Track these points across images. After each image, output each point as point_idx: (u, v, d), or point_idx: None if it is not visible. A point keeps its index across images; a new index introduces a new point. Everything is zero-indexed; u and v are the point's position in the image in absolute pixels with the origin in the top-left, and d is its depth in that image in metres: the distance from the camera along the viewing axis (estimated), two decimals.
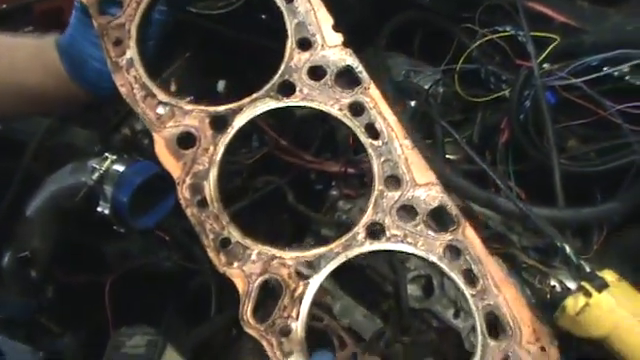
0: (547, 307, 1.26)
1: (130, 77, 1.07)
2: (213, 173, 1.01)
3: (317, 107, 1.05)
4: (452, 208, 1.01)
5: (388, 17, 1.62)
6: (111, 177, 1.42)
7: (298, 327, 0.94)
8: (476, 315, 0.96)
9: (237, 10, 1.54)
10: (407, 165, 1.02)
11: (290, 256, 0.98)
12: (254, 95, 1.05)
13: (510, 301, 0.98)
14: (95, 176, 1.43)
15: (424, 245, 0.99)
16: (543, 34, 1.42)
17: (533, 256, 1.38)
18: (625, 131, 1.34)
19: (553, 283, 1.28)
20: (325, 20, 1.08)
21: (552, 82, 1.39)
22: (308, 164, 1.59)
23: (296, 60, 1.07)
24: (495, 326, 0.97)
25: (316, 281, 0.97)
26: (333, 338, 1.36)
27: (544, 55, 1.39)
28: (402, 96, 1.49)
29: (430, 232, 0.99)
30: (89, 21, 1.10)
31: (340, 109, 1.05)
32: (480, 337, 0.95)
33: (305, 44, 1.08)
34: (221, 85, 1.62)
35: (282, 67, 1.07)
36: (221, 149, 1.02)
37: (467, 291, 0.98)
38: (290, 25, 1.08)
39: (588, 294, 1.15)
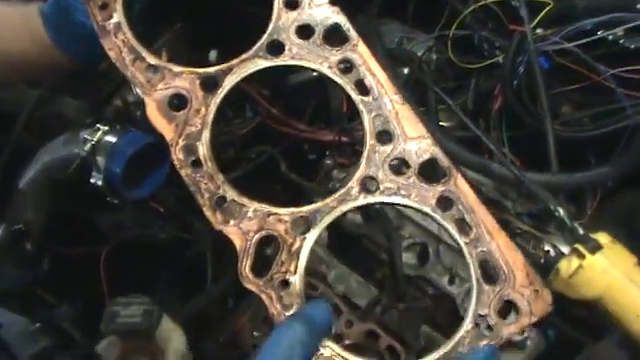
0: (541, 271, 1.27)
1: (118, 41, 1.07)
2: (206, 133, 1.02)
3: (306, 65, 1.06)
4: (443, 160, 1.02)
5: None
6: (103, 148, 1.42)
7: (297, 281, 0.95)
8: (470, 262, 0.98)
9: None
10: (398, 119, 1.03)
11: (286, 212, 0.99)
12: (243, 55, 1.06)
13: (503, 247, 0.99)
14: (87, 147, 1.42)
15: (417, 197, 1.01)
16: None
17: (527, 222, 1.38)
18: (619, 95, 1.34)
19: (547, 248, 1.29)
20: None
21: (545, 47, 1.39)
22: (301, 133, 1.59)
23: (284, 19, 1.07)
24: (489, 273, 0.99)
25: (312, 235, 0.98)
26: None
27: (537, 20, 1.38)
28: (395, 63, 1.48)
29: (423, 184, 1.01)
30: None
31: (329, 67, 1.06)
32: (475, 283, 0.97)
33: (292, 3, 1.08)
34: (213, 55, 1.61)
35: (270, 27, 1.07)
36: (213, 109, 1.03)
37: (461, 240, 0.99)
38: None
39: (581, 256, 1.16)
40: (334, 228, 1.15)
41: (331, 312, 0.93)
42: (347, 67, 1.06)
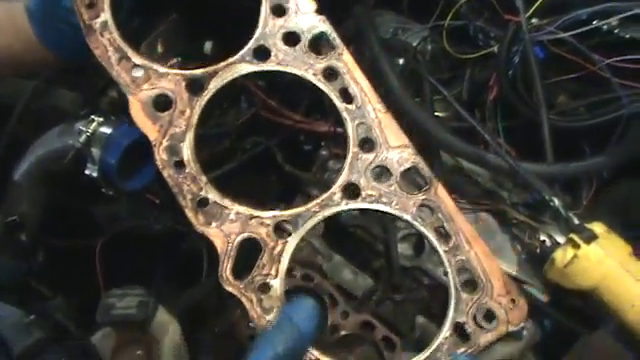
0: (537, 261, 1.27)
1: (104, 40, 1.08)
2: (190, 135, 1.03)
3: (291, 72, 1.08)
4: (424, 169, 1.04)
5: None
6: (98, 139, 1.41)
7: (277, 284, 0.96)
8: (449, 270, 1.00)
9: None
10: (380, 128, 1.06)
11: (268, 215, 1.00)
12: (230, 59, 1.07)
13: (481, 256, 1.02)
14: (82, 139, 1.41)
15: (398, 204, 1.03)
16: None
17: (523, 212, 1.39)
18: (614, 85, 1.34)
19: (543, 238, 1.29)
20: None
21: (541, 37, 1.39)
22: (297, 124, 1.58)
23: (271, 26, 1.09)
24: (468, 280, 1.00)
25: (294, 239, 0.99)
26: (324, 297, 1.37)
27: (532, 9, 1.38)
28: (390, 53, 1.48)
29: (404, 192, 1.02)
30: None
31: (314, 74, 1.08)
32: (453, 291, 0.98)
33: (279, 10, 1.10)
34: (208, 46, 1.60)
35: (257, 32, 1.09)
36: (198, 111, 1.04)
37: (440, 247, 1.01)
38: None
39: (577, 246, 1.16)
40: (330, 219, 1.15)
41: (317, 310, 0.93)
42: (332, 75, 1.07)
